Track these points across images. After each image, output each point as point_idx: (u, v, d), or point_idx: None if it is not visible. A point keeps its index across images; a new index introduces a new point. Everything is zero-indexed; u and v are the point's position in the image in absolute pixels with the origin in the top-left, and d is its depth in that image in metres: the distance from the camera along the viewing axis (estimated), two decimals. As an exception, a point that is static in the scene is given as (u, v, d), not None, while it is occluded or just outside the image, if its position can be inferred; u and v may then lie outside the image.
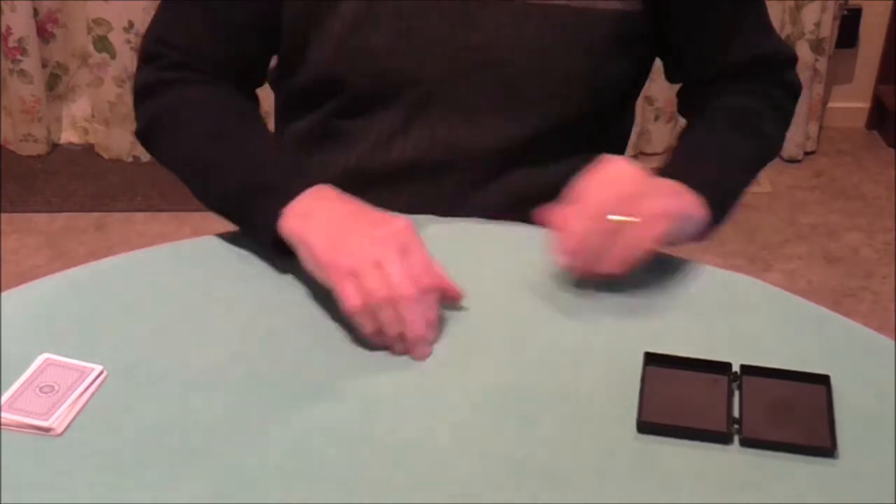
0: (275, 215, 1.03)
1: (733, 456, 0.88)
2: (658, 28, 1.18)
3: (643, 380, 0.94)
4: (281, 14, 1.17)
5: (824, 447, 0.88)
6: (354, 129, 1.22)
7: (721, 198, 1.10)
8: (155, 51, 1.21)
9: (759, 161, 1.20)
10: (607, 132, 1.28)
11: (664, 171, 1.09)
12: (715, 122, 1.20)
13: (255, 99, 1.27)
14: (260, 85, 1.28)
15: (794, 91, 1.26)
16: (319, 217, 1.02)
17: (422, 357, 0.97)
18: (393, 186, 1.22)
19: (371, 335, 0.97)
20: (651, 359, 0.96)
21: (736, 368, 0.95)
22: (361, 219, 1.02)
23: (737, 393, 0.93)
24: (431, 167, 1.21)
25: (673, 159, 1.13)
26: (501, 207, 1.21)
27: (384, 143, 1.21)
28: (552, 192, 1.23)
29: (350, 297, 0.96)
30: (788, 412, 0.92)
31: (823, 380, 0.94)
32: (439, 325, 0.99)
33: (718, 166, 1.14)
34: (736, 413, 0.91)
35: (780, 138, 1.24)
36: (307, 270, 1.01)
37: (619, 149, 1.34)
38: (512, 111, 1.18)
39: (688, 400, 0.92)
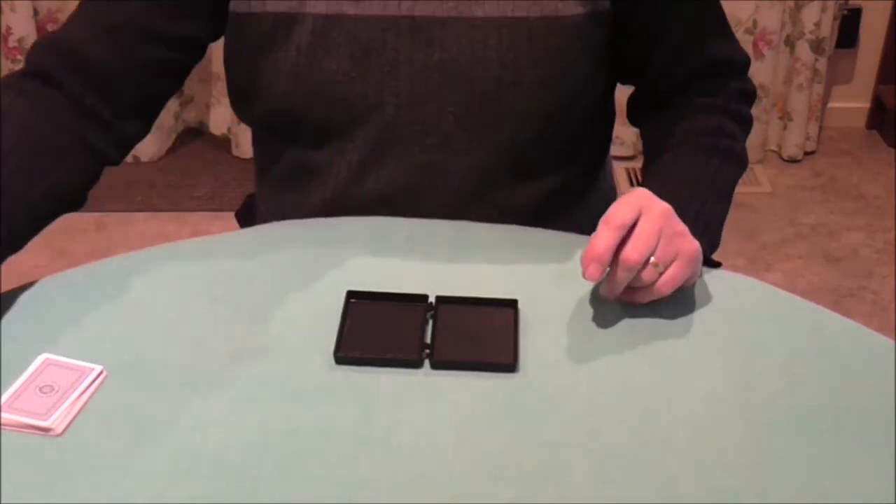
0: None
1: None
2: (619, 28, 1.15)
3: (344, 315, 0.99)
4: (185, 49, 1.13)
5: (506, 363, 0.95)
6: (326, 163, 1.18)
7: (711, 234, 1.09)
8: (34, 60, 1.12)
9: (735, 183, 1.17)
10: (588, 138, 1.25)
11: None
12: (695, 150, 1.16)
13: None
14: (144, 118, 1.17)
15: (751, 99, 1.25)
16: None
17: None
18: (375, 216, 1.17)
19: None
20: (353, 295, 1.02)
21: (432, 299, 1.01)
22: None
23: (430, 322, 0.99)
24: (411, 194, 1.17)
25: (662, 191, 1.06)
26: None
27: (357, 174, 1.17)
28: (537, 207, 1.20)
29: None
30: (477, 335, 0.98)
31: (512, 304, 1.01)
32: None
33: (712, 203, 1.11)
34: (428, 340, 0.97)
35: (747, 153, 1.22)
36: None
37: (600, 155, 1.31)
38: (487, 126, 1.14)
39: (385, 331, 0.98)
